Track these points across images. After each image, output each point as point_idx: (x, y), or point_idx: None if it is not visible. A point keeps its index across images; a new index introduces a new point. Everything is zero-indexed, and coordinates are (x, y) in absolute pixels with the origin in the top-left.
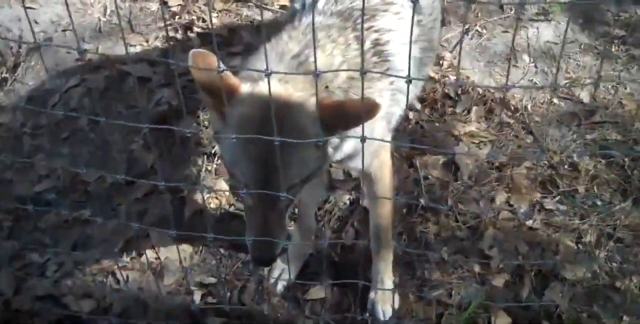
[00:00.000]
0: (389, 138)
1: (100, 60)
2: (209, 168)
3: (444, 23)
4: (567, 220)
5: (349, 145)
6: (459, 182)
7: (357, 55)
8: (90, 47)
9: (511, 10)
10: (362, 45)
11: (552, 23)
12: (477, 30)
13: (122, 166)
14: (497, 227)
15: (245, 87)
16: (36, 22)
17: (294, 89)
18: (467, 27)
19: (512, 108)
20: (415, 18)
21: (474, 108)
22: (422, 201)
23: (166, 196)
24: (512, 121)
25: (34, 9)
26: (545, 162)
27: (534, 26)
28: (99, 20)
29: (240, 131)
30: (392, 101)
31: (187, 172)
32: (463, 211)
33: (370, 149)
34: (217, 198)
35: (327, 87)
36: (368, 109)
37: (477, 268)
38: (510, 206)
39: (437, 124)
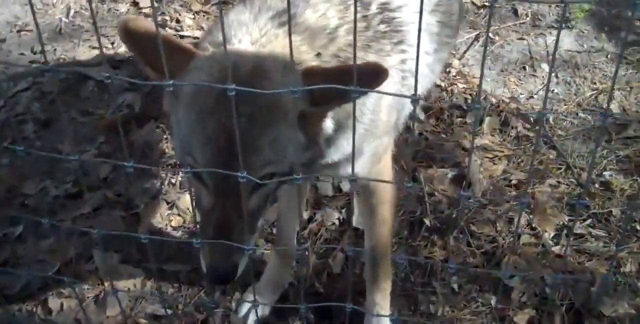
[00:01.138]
0: (392, 138)
1: (57, 63)
2: (173, 181)
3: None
4: (602, 246)
5: (348, 141)
6: (470, 201)
7: (358, 19)
8: (48, 49)
9: (527, 16)
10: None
11: (574, 31)
12: (488, 36)
13: (70, 177)
14: (517, 253)
15: (201, 54)
16: (8, 24)
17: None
18: (476, 33)
19: (532, 120)
20: None
21: (487, 119)
22: (427, 220)
23: (117, 212)
24: (531, 134)
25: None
26: (573, 180)
27: (552, 34)
28: (60, 21)
29: (193, 104)
30: (402, 85)
31: (146, 186)
32: (476, 234)
33: (370, 150)
34: (179, 215)
35: (319, 54)
36: (370, 75)
37: (494, 301)
38: (533, 229)
39: (443, 136)
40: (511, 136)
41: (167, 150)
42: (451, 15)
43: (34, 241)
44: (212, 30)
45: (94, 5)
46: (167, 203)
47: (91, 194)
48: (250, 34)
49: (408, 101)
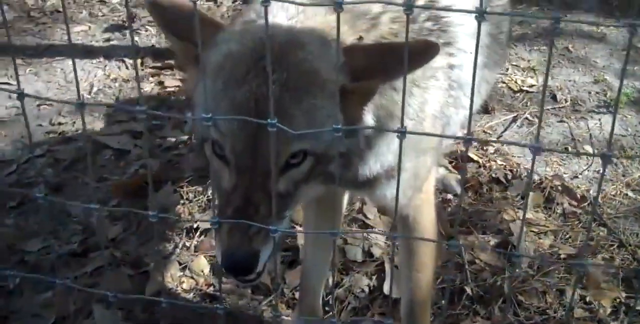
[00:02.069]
0: (434, 161)
1: (74, 133)
2: (187, 244)
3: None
4: None
5: (389, 147)
6: (517, 270)
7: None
8: (67, 121)
9: (566, 101)
10: None
11: (617, 116)
12: (526, 118)
13: (76, 237)
14: None
15: (230, 28)
16: (10, 98)
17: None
18: (514, 115)
19: (579, 197)
20: None
21: (530, 194)
22: (468, 289)
23: (125, 270)
24: (578, 211)
25: (11, 84)
26: (627, 256)
27: (594, 118)
28: (82, 97)
29: (220, 73)
30: (449, 96)
31: (157, 248)
32: (524, 304)
33: (410, 168)
34: (192, 278)
35: (360, 37)
36: (419, 50)
37: None
38: (587, 303)
39: (483, 208)
40: (557, 213)
41: (183, 214)
42: (500, 31)
43: (30, 295)
44: (244, 11)
45: (117, 83)
46: (180, 264)
47: (98, 252)
48: (287, 10)
49: (454, 116)
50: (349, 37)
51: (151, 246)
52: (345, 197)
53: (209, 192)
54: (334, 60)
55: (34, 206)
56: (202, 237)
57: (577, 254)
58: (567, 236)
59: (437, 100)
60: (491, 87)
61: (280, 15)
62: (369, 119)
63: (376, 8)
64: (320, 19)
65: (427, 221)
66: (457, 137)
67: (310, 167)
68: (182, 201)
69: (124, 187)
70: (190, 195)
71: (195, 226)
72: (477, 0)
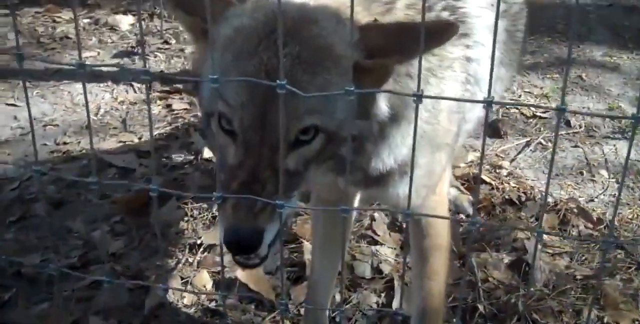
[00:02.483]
0: (450, 159)
1: (79, 153)
2: (190, 260)
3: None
4: None
5: (403, 139)
6: (531, 289)
7: None
8: (72, 141)
9: (580, 127)
10: None
11: (633, 142)
12: (540, 142)
13: (76, 252)
14: None
15: (241, 4)
16: (15, 118)
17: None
18: (527, 139)
19: (595, 220)
20: None
21: (545, 216)
22: (481, 307)
23: (123, 283)
24: (595, 234)
25: (17, 106)
26: None
27: (609, 143)
28: (89, 118)
29: (230, 45)
30: (465, 90)
31: (159, 263)
32: (540, 323)
33: (425, 164)
34: (194, 293)
35: (375, 20)
36: (436, 30)
37: None
38: None
39: (496, 226)
40: (572, 235)
41: (186, 231)
42: (517, 29)
43: (26, 306)
44: None
45: (124, 106)
46: (182, 279)
47: (97, 266)
48: None
49: (469, 113)
50: (364, 18)
51: (153, 261)
52: (355, 203)
53: (214, 209)
54: (349, 37)
55: (35, 222)
56: (206, 253)
57: (593, 275)
58: (584, 257)
59: (453, 92)
60: (505, 88)
61: None
62: (383, 105)
63: None
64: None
65: (440, 225)
66: (478, 101)
67: (321, 146)
68: (186, 218)
69: (127, 202)
70: (195, 212)
71: (199, 242)
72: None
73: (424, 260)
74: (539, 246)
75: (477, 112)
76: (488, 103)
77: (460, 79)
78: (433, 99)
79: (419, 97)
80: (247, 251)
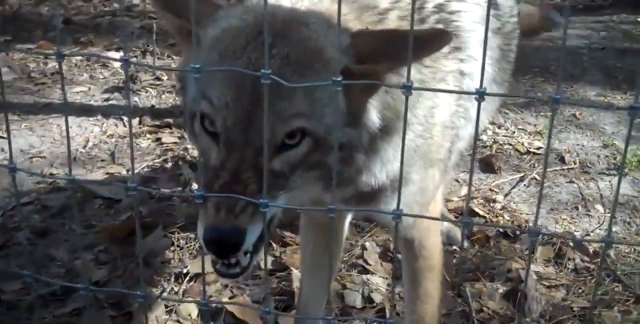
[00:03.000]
0: (442, 177)
1: (65, 184)
2: (176, 289)
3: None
4: None
5: (395, 152)
6: (527, 319)
7: (410, 6)
8: (59, 173)
9: (575, 163)
10: None
11: (628, 178)
12: (534, 178)
13: (59, 280)
14: None
15: (231, 7)
16: (2, 150)
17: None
18: (521, 175)
19: (591, 253)
20: (492, 11)
21: (540, 248)
22: None
23: (106, 311)
24: (591, 266)
25: (4, 138)
26: None
27: (605, 179)
28: (77, 151)
29: (217, 45)
30: (458, 106)
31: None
32: None
33: (417, 181)
34: (179, 321)
35: (367, 29)
36: (430, 37)
37: None
38: None
39: (490, 256)
40: (568, 268)
41: (172, 260)
42: (510, 49)
43: None
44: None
45: (114, 139)
46: (166, 307)
47: (79, 293)
48: None
49: (463, 130)
50: (355, 27)
51: (136, 290)
52: (346, 226)
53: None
54: (339, 41)
55: (17, 250)
56: (192, 282)
57: (591, 307)
58: (580, 290)
59: (447, 106)
60: (496, 109)
61: (284, 0)
62: (374, 115)
63: (384, 4)
64: (326, 5)
65: (433, 246)
66: (470, 93)
67: (308, 150)
68: (172, 248)
69: (111, 231)
70: (182, 241)
71: (184, 271)
72: (484, 9)
73: (416, 282)
74: (534, 277)
75: (470, 130)
76: (480, 94)
77: (454, 94)
78: (427, 113)
79: (408, 88)
80: (228, 250)
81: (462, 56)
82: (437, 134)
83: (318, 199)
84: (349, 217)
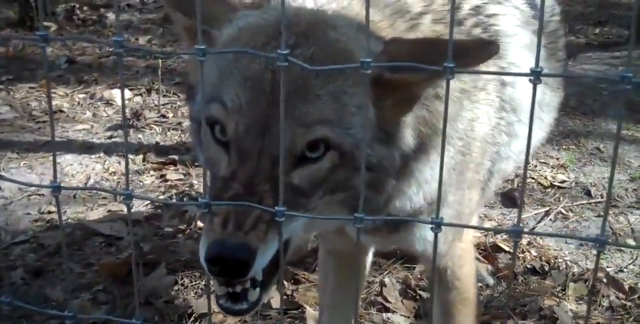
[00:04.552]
0: (480, 200)
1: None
2: None
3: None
4: None
5: (432, 173)
6: None
7: (444, 8)
8: (57, 210)
9: (602, 197)
10: None
11: None
12: (560, 212)
13: (54, 321)
14: None
15: (249, 9)
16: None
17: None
18: (546, 209)
19: (627, 290)
20: (532, 12)
21: (572, 285)
22: None
23: None
24: (629, 304)
25: (2, 175)
26: None
27: (635, 213)
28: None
29: (231, 44)
30: (500, 118)
31: None
32: None
33: (454, 202)
34: None
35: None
36: (473, 48)
37: None
38: None
39: (520, 293)
40: (603, 306)
41: (176, 300)
42: (557, 48)
43: None
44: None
45: (116, 177)
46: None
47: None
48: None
49: (506, 147)
50: (389, 35)
51: None
52: (369, 260)
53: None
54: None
55: (10, 290)
56: (197, 323)
57: None
58: None
59: (487, 119)
60: (552, 121)
61: (309, 2)
62: (407, 135)
63: (417, 8)
64: (356, 9)
65: (467, 276)
66: (524, 74)
67: (332, 166)
68: (176, 287)
69: (111, 268)
70: (186, 280)
71: (189, 311)
72: (523, 13)
73: (449, 316)
74: (570, 314)
75: (514, 148)
76: (535, 75)
77: (495, 105)
78: (467, 127)
79: (450, 68)
80: (234, 271)
81: (502, 64)
82: (477, 151)
83: (341, 229)
84: (371, 251)
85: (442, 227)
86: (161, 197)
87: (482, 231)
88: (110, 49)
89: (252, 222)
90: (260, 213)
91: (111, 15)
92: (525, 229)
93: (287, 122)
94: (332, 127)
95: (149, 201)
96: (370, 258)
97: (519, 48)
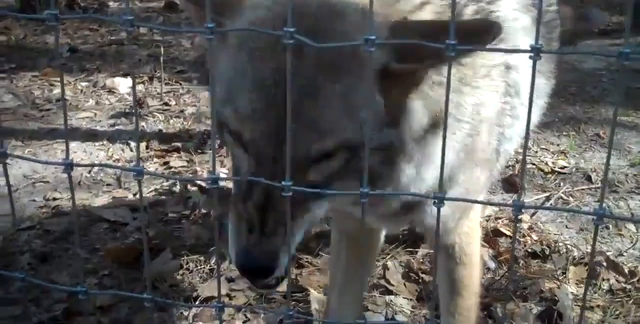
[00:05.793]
0: (487, 179)
1: (69, 208)
2: (185, 313)
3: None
4: None
5: (449, 153)
6: None
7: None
8: (63, 197)
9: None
10: None
11: None
12: (560, 197)
13: (59, 305)
14: None
15: None
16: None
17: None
18: (547, 194)
19: (627, 273)
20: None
21: (572, 268)
22: None
23: None
24: (628, 287)
25: (8, 164)
26: None
27: (635, 198)
28: (81, 175)
29: (245, 44)
30: (505, 103)
31: (149, 316)
32: None
33: (463, 182)
34: None
35: (405, 18)
36: (477, 29)
37: None
38: None
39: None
40: (603, 289)
41: (182, 284)
42: (552, 38)
43: None
44: None
45: (120, 164)
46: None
47: (82, 318)
48: None
49: (509, 129)
50: (393, 15)
51: (143, 315)
52: (382, 239)
53: (212, 261)
54: (378, 35)
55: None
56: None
57: None
58: (618, 312)
59: (493, 104)
60: (546, 104)
61: None
62: (419, 112)
63: None
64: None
65: (474, 253)
66: (524, 51)
67: (344, 162)
68: (181, 271)
69: (117, 253)
70: (191, 264)
71: (194, 294)
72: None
73: (455, 293)
74: (570, 297)
75: (517, 130)
76: (535, 51)
77: (500, 90)
78: (474, 109)
79: (452, 45)
80: (263, 275)
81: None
82: (484, 132)
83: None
84: (383, 234)
85: (452, 205)
86: (165, 184)
87: (484, 217)
88: (112, 38)
89: (273, 225)
90: (279, 216)
91: (112, 4)
92: (526, 215)
93: (301, 129)
94: (344, 131)
95: (153, 188)
96: (382, 240)
97: (520, 31)
